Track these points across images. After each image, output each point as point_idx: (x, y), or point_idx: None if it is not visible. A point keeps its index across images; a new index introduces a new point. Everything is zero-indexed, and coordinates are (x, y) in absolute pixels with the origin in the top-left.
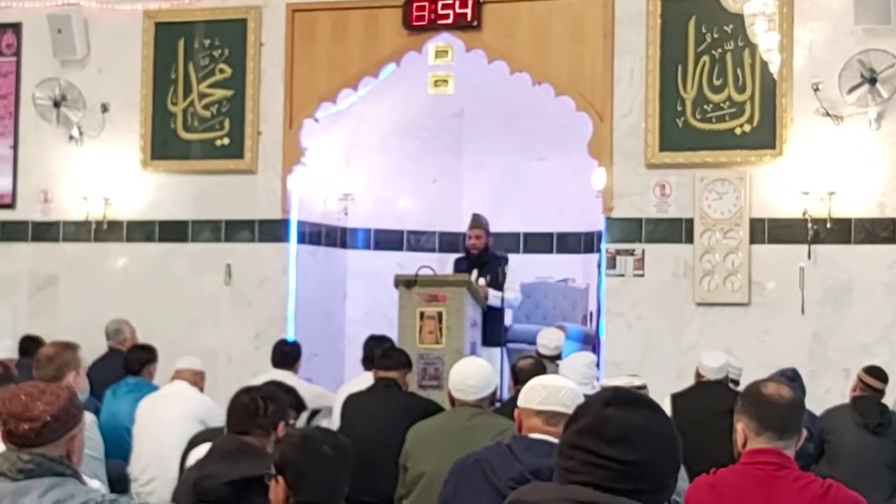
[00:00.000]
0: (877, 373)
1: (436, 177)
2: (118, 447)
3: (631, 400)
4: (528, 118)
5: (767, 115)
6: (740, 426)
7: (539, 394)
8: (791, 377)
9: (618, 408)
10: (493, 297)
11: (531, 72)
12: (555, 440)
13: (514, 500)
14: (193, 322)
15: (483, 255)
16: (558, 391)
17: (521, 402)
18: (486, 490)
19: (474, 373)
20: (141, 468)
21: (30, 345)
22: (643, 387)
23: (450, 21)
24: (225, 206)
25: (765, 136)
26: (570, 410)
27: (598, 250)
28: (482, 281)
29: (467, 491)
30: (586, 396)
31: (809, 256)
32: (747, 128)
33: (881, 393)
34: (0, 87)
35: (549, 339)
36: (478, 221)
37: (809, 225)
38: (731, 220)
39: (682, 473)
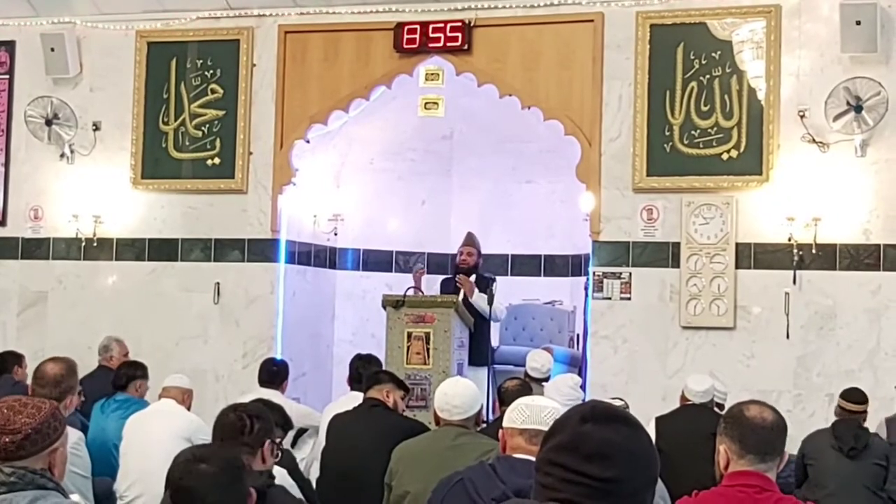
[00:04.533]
0: (853, 396)
1: (425, 198)
2: (105, 464)
3: (608, 416)
4: (517, 141)
5: (754, 142)
6: (722, 448)
7: (522, 413)
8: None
9: (595, 424)
10: (478, 295)
11: (520, 96)
12: None
13: None
14: (182, 340)
15: (472, 272)
16: (541, 411)
17: (505, 421)
18: None
19: (459, 393)
20: (127, 485)
21: (9, 358)
22: (625, 408)
23: (440, 45)
24: (215, 225)
25: (751, 162)
26: None
27: (586, 273)
28: (472, 278)
29: None
30: None
31: (795, 282)
32: (734, 153)
33: (859, 415)
34: None
35: (540, 361)
36: (471, 239)
37: (795, 250)
38: (717, 244)
39: (665, 494)
